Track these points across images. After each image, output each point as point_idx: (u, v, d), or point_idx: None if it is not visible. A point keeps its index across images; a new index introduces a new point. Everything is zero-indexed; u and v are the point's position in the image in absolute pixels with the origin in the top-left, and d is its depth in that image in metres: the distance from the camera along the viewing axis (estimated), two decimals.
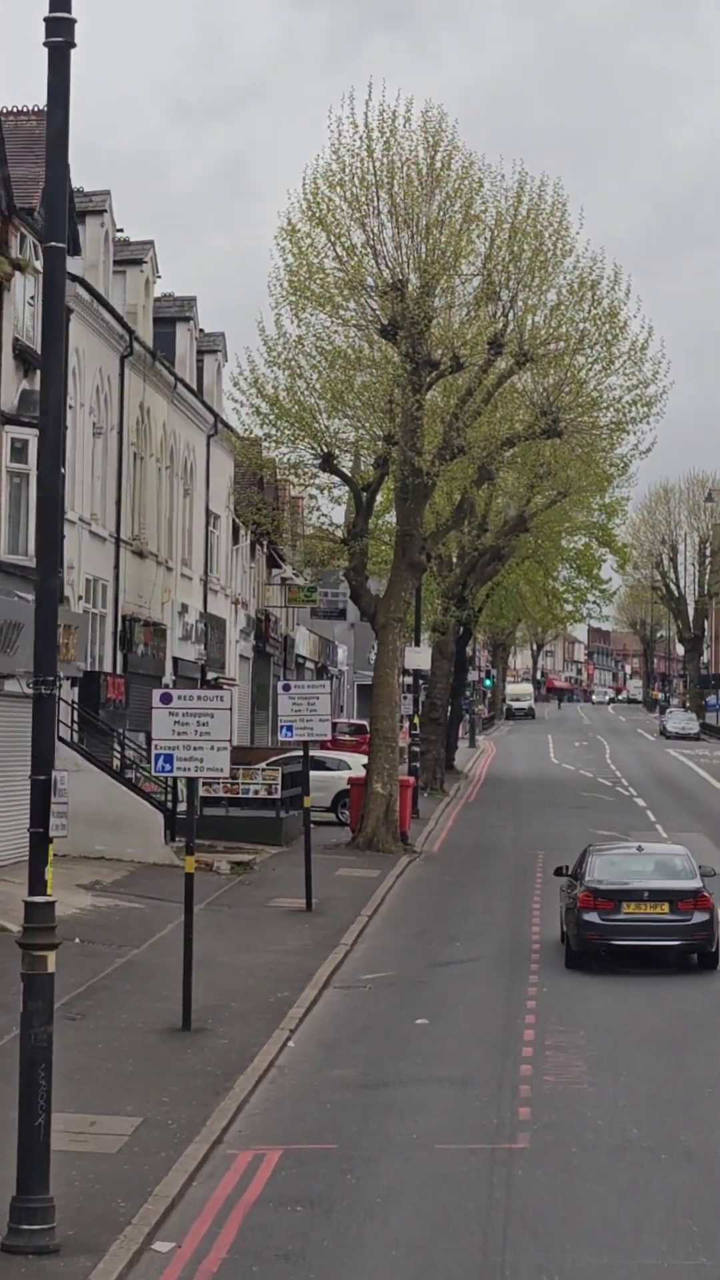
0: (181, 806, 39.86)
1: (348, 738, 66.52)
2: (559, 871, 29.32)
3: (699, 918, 25.93)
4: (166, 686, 45.47)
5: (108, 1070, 18.70)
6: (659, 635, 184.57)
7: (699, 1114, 17.52)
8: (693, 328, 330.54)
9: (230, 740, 21.33)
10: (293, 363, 41.81)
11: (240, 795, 41.20)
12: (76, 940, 26.37)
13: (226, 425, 51.28)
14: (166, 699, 21.13)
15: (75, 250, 36.85)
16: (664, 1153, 16.07)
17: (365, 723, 56.25)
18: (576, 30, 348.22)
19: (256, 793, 41.15)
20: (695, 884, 26.53)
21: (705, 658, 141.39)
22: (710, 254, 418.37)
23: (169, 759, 20.98)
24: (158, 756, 21.08)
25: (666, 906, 26.07)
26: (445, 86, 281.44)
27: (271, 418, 42.14)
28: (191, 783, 21.65)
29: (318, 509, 46.39)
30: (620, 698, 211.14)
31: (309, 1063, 19.82)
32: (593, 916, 25.96)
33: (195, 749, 20.94)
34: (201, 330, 53.54)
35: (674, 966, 25.91)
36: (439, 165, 40.48)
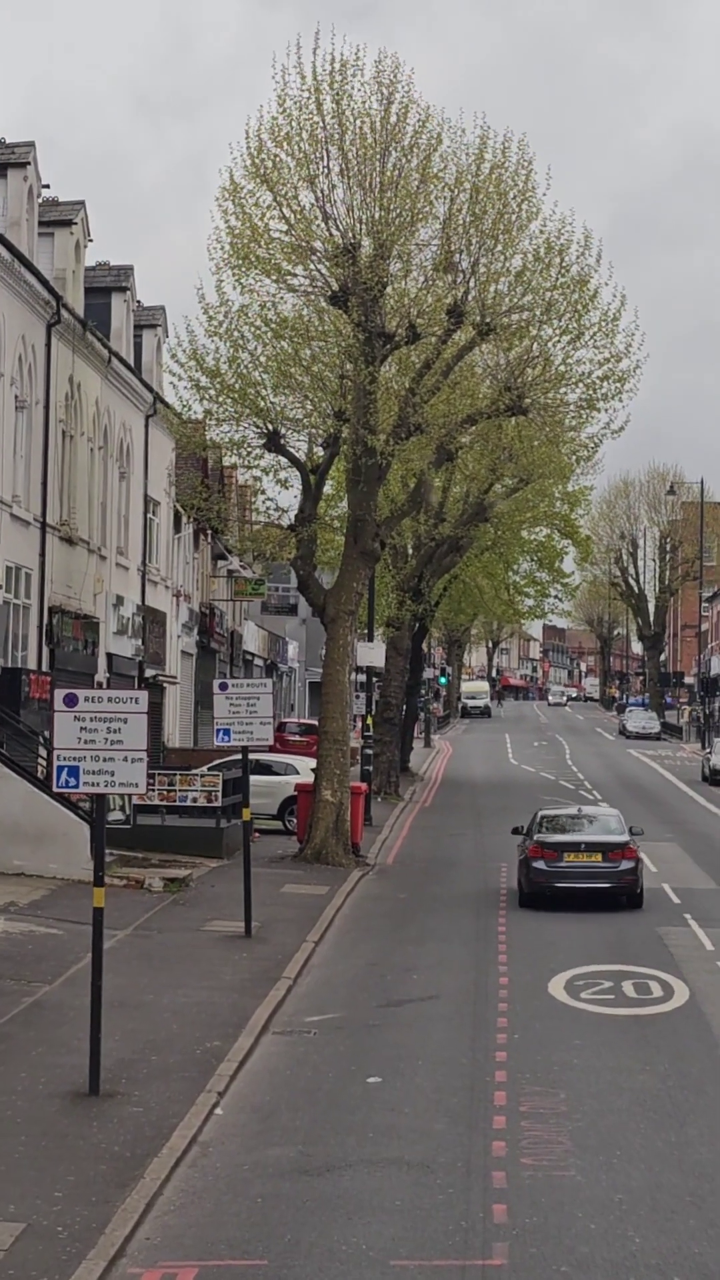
0: (113, 815, 36.65)
1: (298, 738, 63.38)
2: (515, 830, 34.96)
3: (625, 865, 32.12)
4: (100, 685, 42.20)
5: None
6: (616, 633, 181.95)
7: (715, 1215, 14.15)
8: (655, 325, 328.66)
9: (147, 750, 17.95)
10: (235, 333, 38.46)
11: (178, 803, 37.95)
12: None
13: (166, 404, 47.80)
14: (71, 701, 17.76)
15: None
16: (677, 1274, 12.79)
17: (317, 722, 53.05)
18: (542, 30, 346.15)
19: (195, 800, 37.85)
20: (624, 838, 32.63)
21: (664, 655, 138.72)
22: (672, 252, 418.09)
23: (74, 772, 17.64)
24: (60, 769, 17.71)
25: (600, 856, 32.26)
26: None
27: (212, 393, 38.76)
28: (100, 801, 18.26)
29: (263, 492, 43.00)
30: (577, 696, 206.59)
31: (239, 1138, 16.48)
32: (540, 864, 32.25)
33: (105, 760, 17.64)
34: (140, 303, 50.12)
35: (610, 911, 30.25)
36: (394, 119, 37.25)
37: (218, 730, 28.16)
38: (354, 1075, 18.82)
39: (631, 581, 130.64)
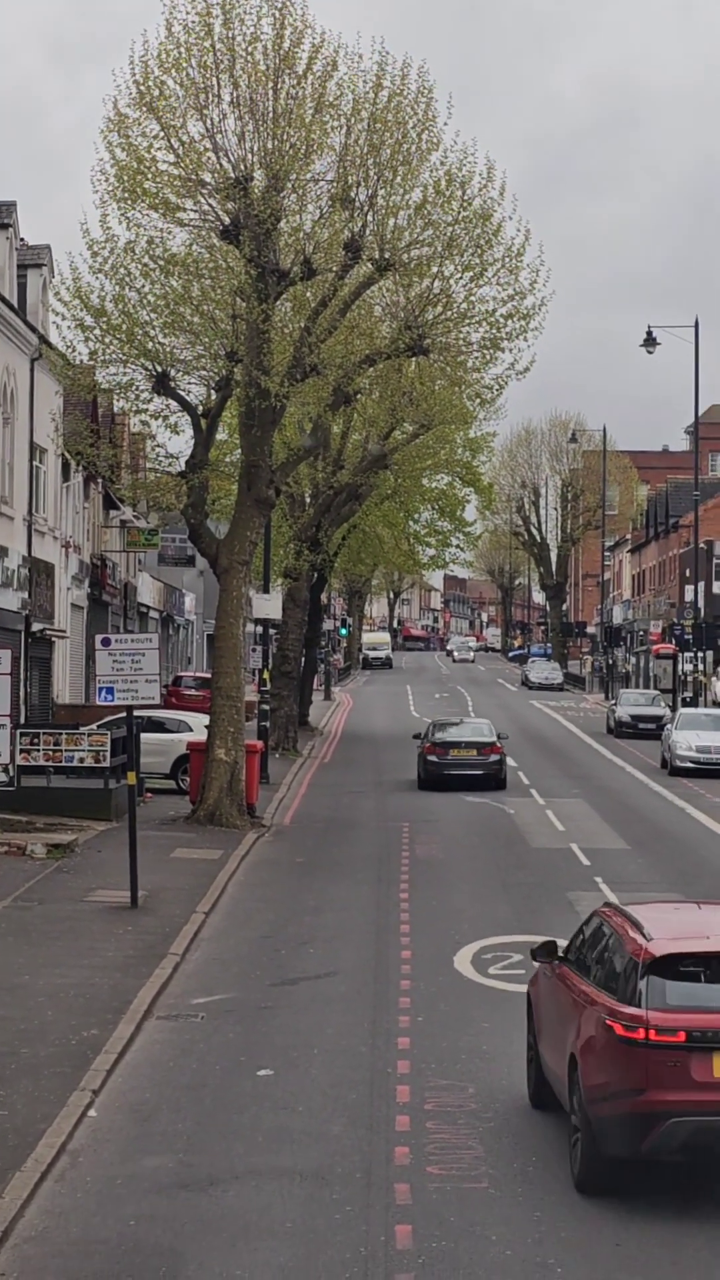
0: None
1: (194, 693, 61.78)
2: (416, 736, 48.83)
3: (493, 758, 45.70)
4: None
5: None
6: (518, 582, 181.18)
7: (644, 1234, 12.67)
8: (568, 273, 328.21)
9: (12, 715, 16.23)
10: (121, 270, 36.51)
11: (64, 763, 36.18)
12: None
13: (52, 347, 45.73)
14: None
15: None
16: None
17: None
18: None
19: (83, 760, 36.10)
20: (492, 739, 46.37)
21: (566, 605, 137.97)
22: (585, 200, 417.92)
23: None
24: None
25: (475, 752, 45.69)
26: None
27: (97, 333, 36.80)
28: None
29: (153, 438, 41.09)
30: (478, 646, 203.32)
31: (113, 1144, 14.83)
32: (433, 758, 45.49)
33: None
34: (24, 241, 47.98)
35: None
36: (287, 44, 35.39)
37: (100, 689, 26.37)
38: (243, 1067, 17.23)
39: (533, 530, 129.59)
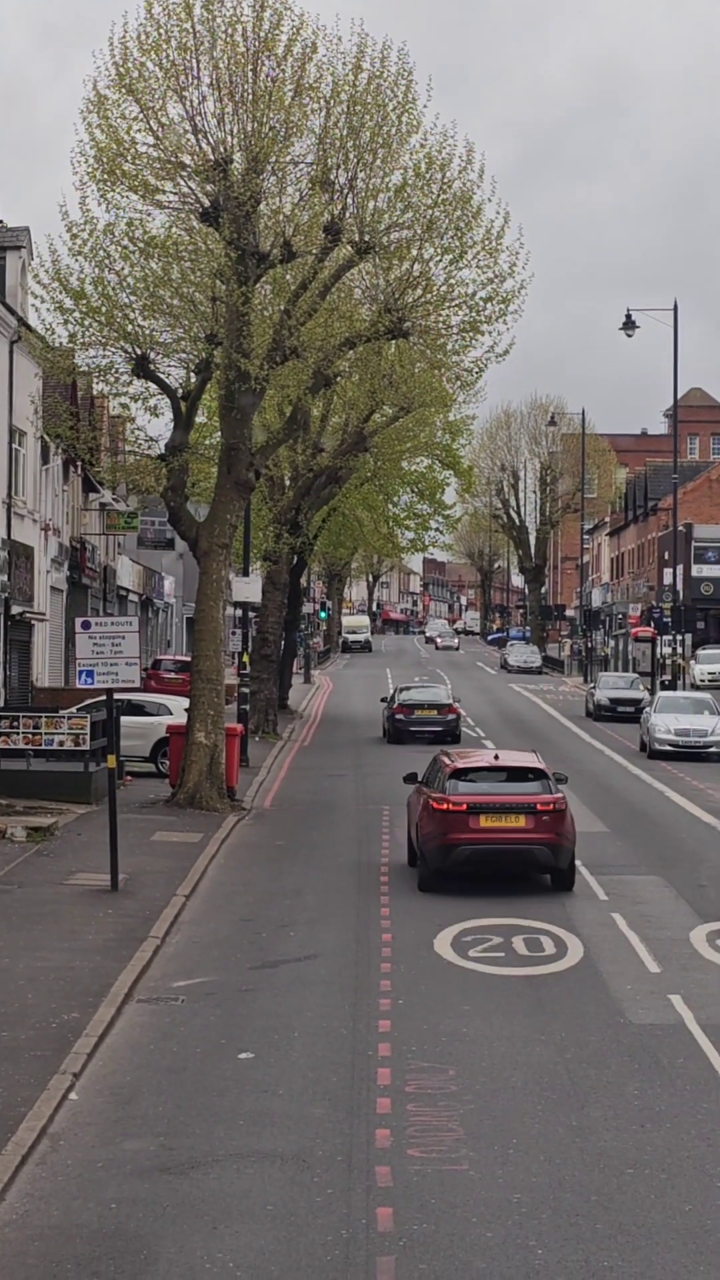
0: None
1: (173, 676, 61.79)
2: (383, 700, 58.39)
3: (450, 717, 53.88)
4: None
5: None
6: (497, 565, 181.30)
7: (624, 1216, 12.63)
8: (554, 257, 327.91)
9: None
10: (100, 252, 36.43)
11: (44, 746, 36.15)
12: None
13: (31, 329, 45.60)
14: None
15: None
16: None
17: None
18: None
19: (62, 743, 36.08)
20: (449, 701, 55.52)
21: (545, 588, 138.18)
22: (572, 184, 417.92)
23: None
24: None
25: (435, 712, 53.92)
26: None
27: (77, 316, 36.73)
28: None
29: (132, 421, 41.01)
30: (459, 629, 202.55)
31: (94, 1127, 14.83)
32: (400, 717, 53.58)
33: None
34: (2, 223, 47.83)
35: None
36: (266, 26, 35.34)
37: (80, 672, 26.40)
38: (224, 1050, 17.23)
39: (512, 514, 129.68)
